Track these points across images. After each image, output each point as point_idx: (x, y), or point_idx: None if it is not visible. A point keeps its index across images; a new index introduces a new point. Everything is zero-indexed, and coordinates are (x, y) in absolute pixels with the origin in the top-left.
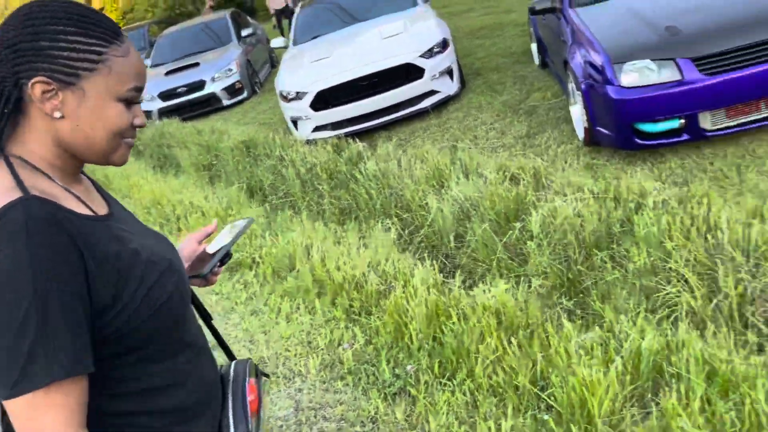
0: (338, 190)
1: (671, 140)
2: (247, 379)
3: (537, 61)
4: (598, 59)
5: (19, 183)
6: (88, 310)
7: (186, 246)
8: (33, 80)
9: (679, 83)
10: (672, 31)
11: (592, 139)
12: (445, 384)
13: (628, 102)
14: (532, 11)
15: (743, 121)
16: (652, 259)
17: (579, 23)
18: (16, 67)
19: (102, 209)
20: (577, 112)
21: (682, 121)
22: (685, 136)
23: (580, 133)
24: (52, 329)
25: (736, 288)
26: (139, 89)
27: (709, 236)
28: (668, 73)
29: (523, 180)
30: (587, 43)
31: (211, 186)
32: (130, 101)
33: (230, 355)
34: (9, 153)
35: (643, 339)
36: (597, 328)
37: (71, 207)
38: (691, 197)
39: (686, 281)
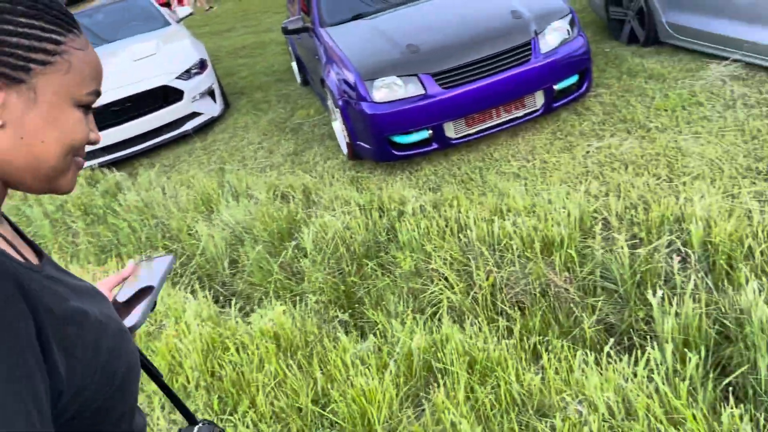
0: (96, 227)
1: (423, 150)
2: None
3: (298, 79)
4: (350, 77)
5: None
6: (46, 380)
7: None
8: None
9: (423, 97)
10: (412, 49)
11: (355, 153)
12: (226, 420)
13: (381, 116)
14: (285, 31)
15: (480, 128)
16: (415, 262)
17: (330, 42)
18: None
19: (32, 257)
20: (339, 127)
21: (430, 131)
22: (434, 145)
23: (344, 148)
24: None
25: (487, 279)
26: (99, 93)
27: (461, 235)
28: (413, 88)
29: (294, 198)
30: (339, 61)
31: None
32: (88, 108)
33: (190, 418)
34: None
35: (412, 340)
36: (371, 336)
37: (3, 248)
38: (444, 201)
39: (446, 279)
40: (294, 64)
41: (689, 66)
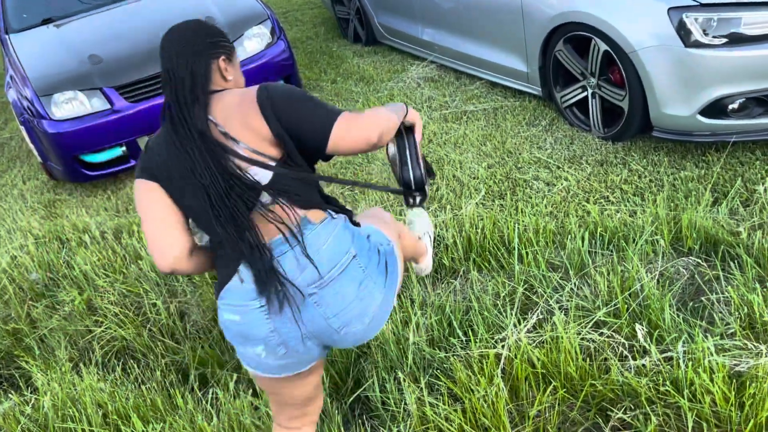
0: None
1: (120, 167)
2: None
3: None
4: (28, 92)
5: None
6: None
7: None
8: (221, 58)
9: (111, 112)
10: (95, 60)
11: (51, 174)
12: None
13: (65, 135)
14: None
15: None
16: (88, 298)
17: (12, 52)
18: (209, 51)
19: None
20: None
21: (124, 148)
22: (132, 162)
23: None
24: None
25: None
26: None
27: (133, 266)
28: (98, 103)
29: None
30: (19, 74)
31: None
32: None
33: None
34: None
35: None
36: (13, 395)
37: None
38: (128, 226)
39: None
40: None
41: (396, 68)
